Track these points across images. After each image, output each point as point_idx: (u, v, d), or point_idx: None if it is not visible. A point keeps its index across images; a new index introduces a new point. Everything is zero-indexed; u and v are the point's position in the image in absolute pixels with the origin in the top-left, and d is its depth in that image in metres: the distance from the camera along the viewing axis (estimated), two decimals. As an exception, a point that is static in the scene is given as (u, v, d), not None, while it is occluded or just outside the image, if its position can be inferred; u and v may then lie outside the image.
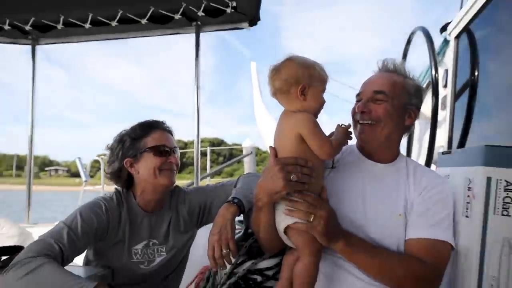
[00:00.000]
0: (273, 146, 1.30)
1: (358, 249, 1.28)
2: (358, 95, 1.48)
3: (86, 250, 1.58)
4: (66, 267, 1.35)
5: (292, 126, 1.26)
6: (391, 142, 1.50)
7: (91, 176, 6.25)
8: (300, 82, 1.26)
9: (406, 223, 1.37)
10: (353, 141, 1.45)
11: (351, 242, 1.26)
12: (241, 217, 1.46)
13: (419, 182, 1.43)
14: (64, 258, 1.33)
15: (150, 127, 1.59)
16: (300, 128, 1.23)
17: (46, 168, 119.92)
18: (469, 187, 1.30)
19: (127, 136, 1.57)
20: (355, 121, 1.46)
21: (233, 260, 1.50)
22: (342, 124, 1.35)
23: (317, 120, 1.29)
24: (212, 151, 7.78)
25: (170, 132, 1.64)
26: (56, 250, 1.31)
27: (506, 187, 1.20)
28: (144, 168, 1.53)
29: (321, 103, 1.31)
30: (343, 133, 1.33)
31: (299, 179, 1.21)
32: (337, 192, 1.40)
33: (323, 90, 1.32)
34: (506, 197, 1.20)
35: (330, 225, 1.20)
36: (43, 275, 1.21)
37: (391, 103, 1.42)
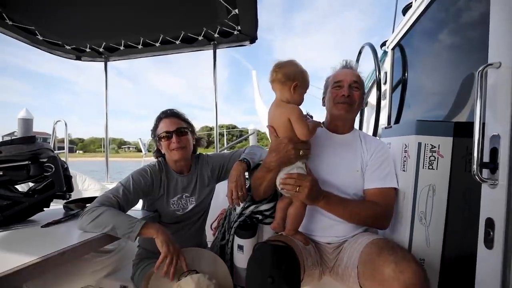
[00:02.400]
0: (271, 125, 1.21)
1: (335, 204, 1.20)
2: (338, 82, 1.34)
3: (143, 201, 1.50)
4: (129, 212, 1.29)
5: (284, 113, 1.16)
6: (354, 118, 1.42)
7: (148, 151, 6.19)
8: (295, 79, 1.15)
9: (363, 176, 1.30)
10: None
11: (329, 200, 1.18)
12: (246, 174, 1.37)
13: (369, 146, 1.35)
14: (120, 207, 1.25)
15: (158, 118, 1.46)
16: (289, 115, 1.15)
17: (122, 146, 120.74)
18: (405, 150, 1.22)
19: (154, 126, 1.48)
20: (336, 103, 1.34)
21: (242, 204, 1.44)
22: (308, 113, 1.27)
23: None
24: (228, 133, 7.70)
25: (175, 115, 1.46)
26: (113, 201, 1.24)
27: (431, 149, 1.13)
28: (162, 148, 1.44)
29: (302, 100, 1.21)
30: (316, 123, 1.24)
31: (304, 153, 1.16)
32: (314, 157, 1.31)
33: (305, 93, 1.21)
34: (431, 156, 1.13)
35: (313, 191, 1.12)
36: (104, 217, 1.14)
37: (360, 91, 1.34)
